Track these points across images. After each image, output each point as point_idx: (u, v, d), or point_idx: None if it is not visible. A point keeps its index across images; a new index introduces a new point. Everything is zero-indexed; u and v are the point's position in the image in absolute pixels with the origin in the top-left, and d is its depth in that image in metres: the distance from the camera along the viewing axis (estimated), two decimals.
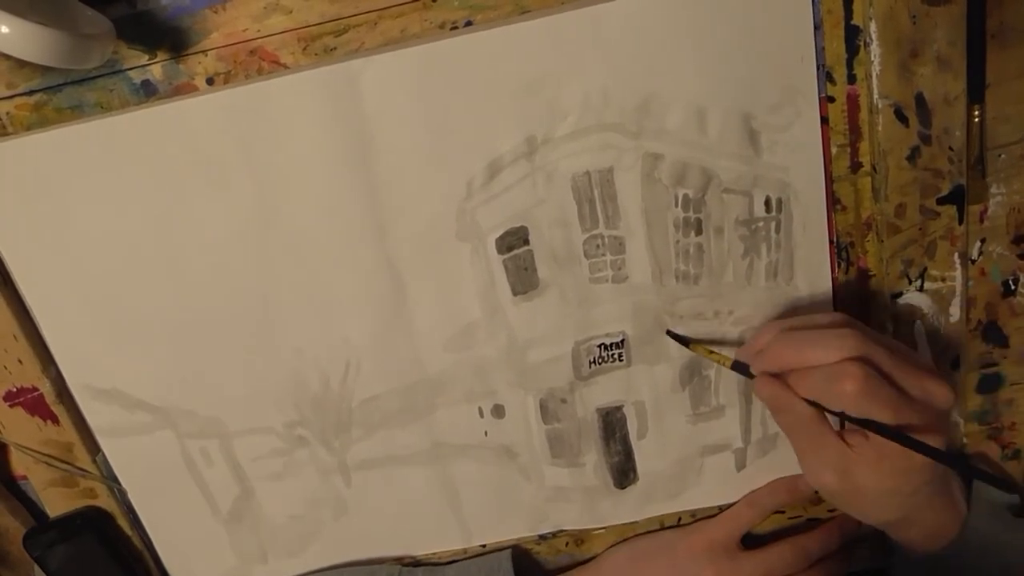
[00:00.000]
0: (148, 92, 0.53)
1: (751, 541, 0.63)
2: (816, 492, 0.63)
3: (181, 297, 0.58)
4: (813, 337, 0.50)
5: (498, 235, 0.56)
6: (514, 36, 0.51)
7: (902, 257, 0.55)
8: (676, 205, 0.55)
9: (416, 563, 0.67)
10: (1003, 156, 0.54)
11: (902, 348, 0.51)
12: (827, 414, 0.50)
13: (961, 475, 0.57)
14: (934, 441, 0.48)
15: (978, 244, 0.56)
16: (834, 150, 0.54)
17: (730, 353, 0.56)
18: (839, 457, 0.50)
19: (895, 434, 0.48)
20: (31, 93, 0.53)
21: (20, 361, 0.59)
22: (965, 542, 0.55)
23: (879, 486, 0.50)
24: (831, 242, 0.56)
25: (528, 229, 0.56)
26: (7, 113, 0.53)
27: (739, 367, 0.54)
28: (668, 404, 0.61)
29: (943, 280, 0.56)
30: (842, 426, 0.51)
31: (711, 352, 0.57)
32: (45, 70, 0.52)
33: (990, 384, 0.61)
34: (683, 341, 0.58)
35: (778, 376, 0.51)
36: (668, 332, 0.58)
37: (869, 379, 0.47)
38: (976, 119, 0.52)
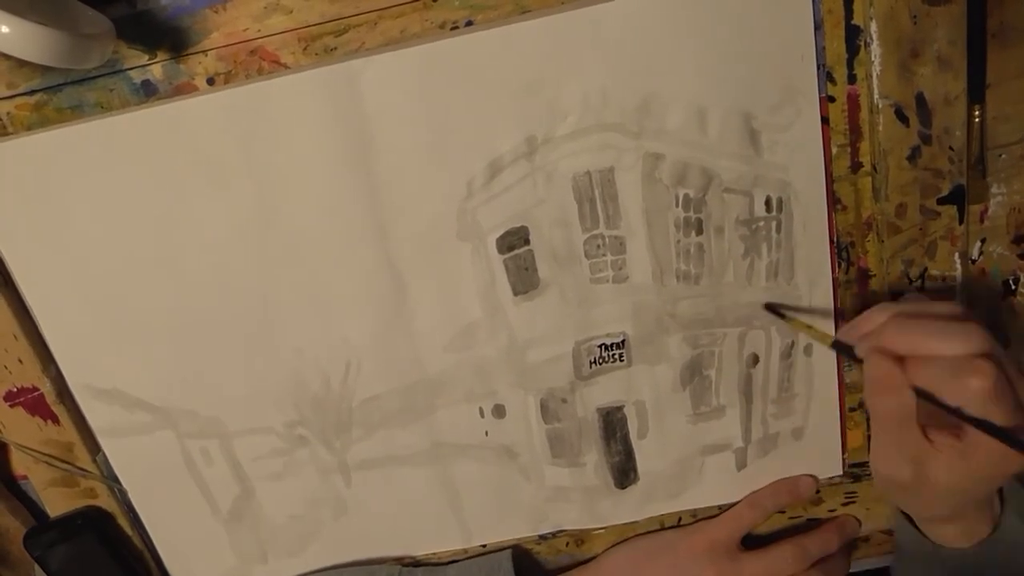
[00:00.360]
0: (148, 92, 0.53)
1: (752, 541, 0.64)
2: (817, 492, 0.63)
3: (181, 297, 0.58)
4: (937, 327, 0.48)
5: (499, 235, 0.56)
6: (514, 36, 0.51)
7: (902, 257, 0.55)
8: (677, 205, 0.55)
9: (416, 563, 0.67)
10: (1003, 156, 0.54)
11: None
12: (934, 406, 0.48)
13: None
14: None
15: (978, 244, 0.56)
16: (834, 150, 0.54)
17: (828, 330, 0.55)
18: (920, 451, 0.49)
19: (1012, 439, 0.45)
20: (31, 93, 0.53)
21: (20, 361, 0.59)
22: (996, 540, 0.55)
23: (952, 485, 0.49)
24: (831, 242, 0.56)
25: (529, 229, 0.56)
26: (7, 113, 0.53)
27: (840, 347, 0.52)
28: (669, 404, 0.61)
29: (943, 280, 0.56)
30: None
31: (810, 328, 0.55)
32: (45, 70, 0.52)
33: None
34: (779, 314, 0.57)
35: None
36: (766, 305, 0.57)
37: (999, 379, 0.45)
38: (976, 119, 0.52)
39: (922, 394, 0.48)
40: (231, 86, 0.52)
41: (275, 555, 0.67)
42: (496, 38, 0.51)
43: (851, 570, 0.67)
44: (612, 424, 0.61)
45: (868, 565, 0.67)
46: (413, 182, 0.54)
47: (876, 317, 0.51)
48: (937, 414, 0.48)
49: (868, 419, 0.61)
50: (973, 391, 0.45)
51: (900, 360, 0.48)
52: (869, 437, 0.61)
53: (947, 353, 0.46)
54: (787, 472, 0.63)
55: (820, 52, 0.52)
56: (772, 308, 0.57)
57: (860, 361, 0.51)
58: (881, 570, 0.67)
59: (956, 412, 0.46)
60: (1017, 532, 0.55)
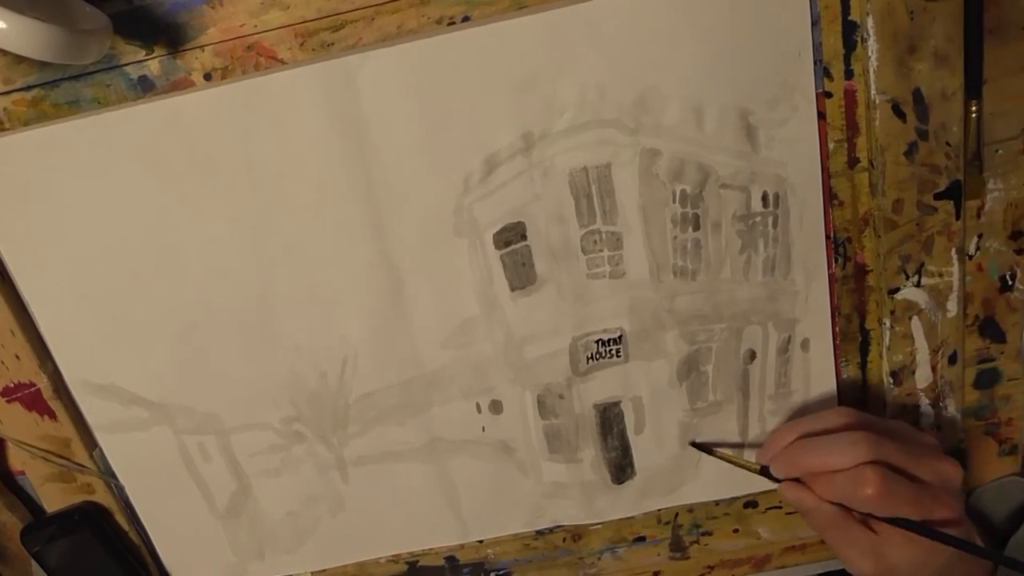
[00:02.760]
0: (145, 88, 0.53)
1: None
2: None
3: (178, 293, 0.58)
4: (828, 444, 0.54)
5: (495, 231, 0.56)
6: (511, 32, 0.51)
7: (899, 252, 0.55)
8: (673, 201, 0.55)
9: None
10: (1000, 151, 0.54)
11: (907, 431, 0.56)
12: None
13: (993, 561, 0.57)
14: (954, 523, 0.53)
15: (975, 239, 0.56)
16: (831, 145, 0.54)
17: (751, 456, 0.60)
18: (870, 544, 0.54)
19: (920, 528, 0.52)
20: (28, 88, 0.53)
21: (17, 356, 0.59)
22: None
23: (912, 561, 0.53)
24: (828, 237, 0.56)
25: (525, 225, 0.56)
26: (4, 109, 0.53)
27: (766, 472, 0.57)
28: (665, 400, 0.61)
29: (940, 276, 0.56)
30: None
31: (736, 460, 0.60)
32: (42, 65, 0.52)
33: (987, 379, 0.61)
34: (707, 450, 0.61)
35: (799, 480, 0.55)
36: (692, 443, 0.62)
37: (886, 481, 0.51)
38: (973, 115, 0.52)
39: (837, 505, 0.54)
40: (228, 81, 0.52)
41: (272, 551, 0.67)
42: (493, 34, 0.51)
43: (836, 568, 0.67)
44: (609, 420, 0.61)
45: None
46: (410, 178, 0.54)
47: (783, 438, 0.57)
48: None
49: None
50: (869, 497, 0.51)
51: (813, 477, 0.55)
52: None
53: (841, 466, 0.53)
54: None
55: (817, 47, 0.52)
56: (697, 445, 0.62)
57: (779, 482, 0.57)
58: None
59: (870, 516, 0.53)
60: None
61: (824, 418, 0.57)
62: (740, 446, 0.62)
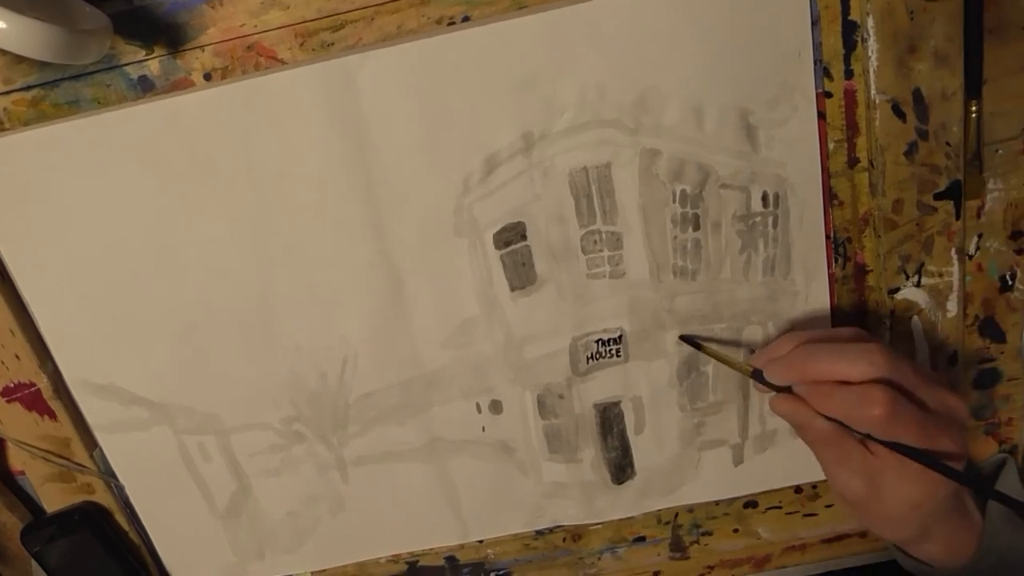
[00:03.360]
0: (145, 88, 0.53)
1: None
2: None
3: (178, 293, 0.58)
4: (837, 351, 0.50)
5: (495, 231, 0.56)
6: (511, 32, 0.51)
7: (899, 252, 0.55)
8: (673, 201, 0.55)
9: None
10: (1000, 151, 0.54)
11: (919, 363, 0.53)
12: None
13: (978, 492, 0.57)
14: (957, 458, 0.49)
15: (975, 239, 0.56)
16: (831, 145, 0.54)
17: (740, 357, 0.57)
18: (864, 465, 0.50)
19: (922, 456, 0.48)
20: (28, 88, 0.53)
21: (17, 356, 0.59)
22: (983, 556, 0.55)
23: (904, 495, 0.50)
24: (828, 237, 0.56)
25: (525, 225, 0.56)
26: (4, 109, 0.53)
27: (759, 376, 0.54)
28: (665, 400, 0.61)
29: (940, 276, 0.56)
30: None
31: (727, 358, 0.57)
32: (42, 66, 0.52)
33: (987, 379, 0.61)
34: (696, 345, 0.58)
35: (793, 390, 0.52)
36: (681, 337, 0.58)
37: (896, 403, 0.48)
38: (973, 115, 0.52)
39: (833, 421, 0.50)
40: (228, 81, 0.52)
41: (272, 551, 0.67)
42: (493, 34, 0.51)
43: (847, 567, 0.67)
44: (609, 420, 0.61)
45: (865, 561, 0.68)
46: (410, 178, 0.54)
47: (784, 345, 0.54)
48: None
49: None
50: (875, 418, 0.48)
51: (810, 387, 0.51)
52: None
53: (847, 377, 0.49)
54: (784, 469, 0.63)
55: (817, 47, 0.52)
56: (688, 339, 0.58)
57: (778, 389, 0.53)
58: (879, 566, 0.67)
59: (868, 437, 0.49)
60: (1001, 541, 0.55)
61: (833, 332, 0.54)
62: (740, 446, 0.62)
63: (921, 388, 0.49)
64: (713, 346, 0.58)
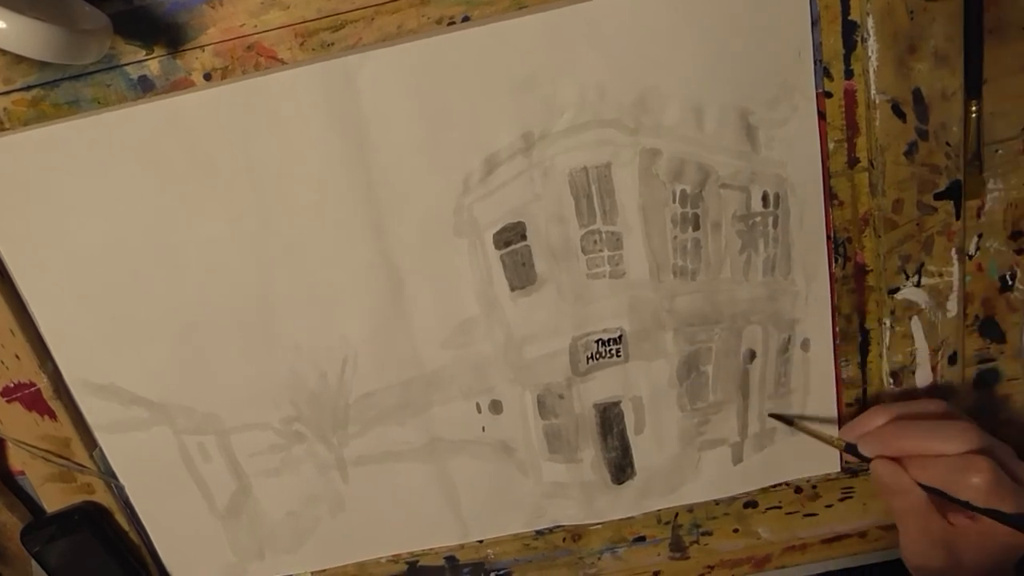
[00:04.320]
0: (145, 88, 0.53)
1: None
2: None
3: (178, 293, 0.58)
4: (935, 428, 0.54)
5: (495, 231, 0.56)
6: (511, 32, 0.51)
7: (899, 252, 0.55)
8: (673, 201, 0.55)
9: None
10: (1000, 151, 0.54)
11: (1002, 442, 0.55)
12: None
13: None
14: None
15: (975, 239, 0.56)
16: (831, 145, 0.54)
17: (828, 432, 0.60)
18: (945, 536, 0.53)
19: (1020, 522, 0.51)
20: (28, 88, 0.53)
21: (17, 356, 0.59)
22: None
23: (981, 562, 0.53)
24: (828, 237, 0.56)
25: (525, 224, 0.56)
26: (4, 109, 0.53)
27: (852, 449, 0.57)
28: (665, 399, 0.61)
29: (940, 276, 0.56)
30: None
31: (817, 433, 0.60)
32: (42, 66, 0.52)
33: (987, 379, 0.61)
34: (787, 421, 0.61)
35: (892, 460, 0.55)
36: (770, 415, 0.61)
37: (996, 471, 0.51)
38: (973, 114, 0.52)
39: (930, 490, 0.53)
40: (228, 81, 0.52)
41: (272, 551, 0.67)
42: (493, 34, 0.51)
43: (847, 567, 0.67)
44: (609, 420, 0.61)
45: (865, 560, 0.68)
46: (410, 178, 0.54)
47: (875, 419, 0.57)
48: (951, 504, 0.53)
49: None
50: (977, 486, 0.50)
51: (906, 460, 0.54)
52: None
53: (946, 451, 0.52)
54: (784, 468, 0.63)
55: (817, 47, 0.52)
56: (777, 416, 0.61)
57: (868, 460, 0.56)
58: (879, 566, 0.67)
59: (966, 505, 0.51)
60: None
61: (919, 404, 0.57)
62: (739, 445, 0.62)
63: (1012, 462, 0.53)
64: (804, 422, 0.61)
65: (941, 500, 0.53)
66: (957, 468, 0.51)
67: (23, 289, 0.58)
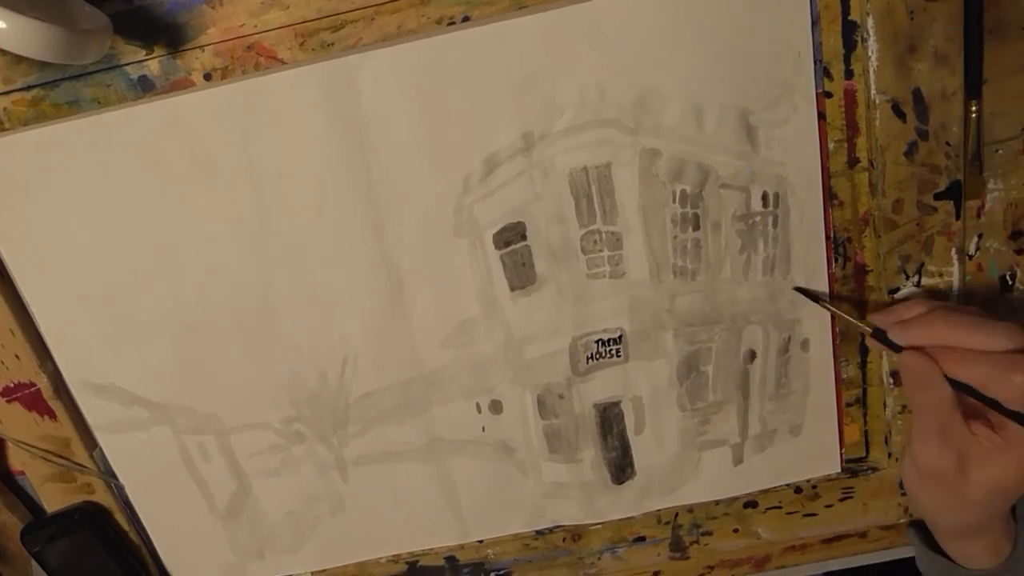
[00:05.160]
0: (145, 87, 0.53)
1: None
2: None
3: (178, 293, 0.58)
4: (977, 321, 0.49)
5: (495, 231, 0.56)
6: (511, 32, 0.51)
7: (899, 252, 0.55)
8: (673, 201, 0.55)
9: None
10: (1000, 151, 0.54)
11: None
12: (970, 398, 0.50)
13: None
14: None
15: (975, 239, 0.56)
16: (831, 145, 0.54)
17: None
18: (963, 440, 0.50)
19: None
20: (28, 88, 0.53)
21: (17, 356, 0.59)
22: (1019, 558, 0.55)
23: (989, 482, 0.50)
24: (828, 237, 0.56)
25: (525, 224, 0.56)
26: (4, 109, 0.53)
27: (881, 335, 0.53)
28: (665, 400, 0.61)
29: (940, 275, 0.56)
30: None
31: (843, 315, 0.56)
32: (42, 65, 0.52)
33: None
34: (813, 297, 0.57)
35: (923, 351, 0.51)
36: (795, 288, 0.57)
37: None
38: (973, 114, 0.52)
39: (960, 387, 0.49)
40: (228, 81, 0.52)
41: (272, 551, 0.67)
42: (493, 34, 0.51)
43: (847, 567, 0.67)
44: (609, 420, 0.61)
45: (866, 561, 0.68)
46: (410, 178, 0.54)
47: (914, 308, 0.52)
48: (975, 409, 0.50)
49: (890, 409, 0.61)
50: (1018, 386, 0.47)
51: (939, 351, 0.50)
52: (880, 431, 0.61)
53: (986, 347, 0.48)
54: (784, 468, 0.63)
55: (817, 47, 0.52)
56: (803, 291, 0.57)
57: (898, 349, 0.52)
58: (879, 567, 0.67)
59: (995, 405, 0.48)
60: None
61: (959, 307, 0.54)
62: (740, 446, 0.62)
63: None
64: (831, 302, 0.57)
65: (971, 400, 0.50)
66: (1001, 365, 0.47)
67: (23, 289, 0.58)
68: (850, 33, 0.51)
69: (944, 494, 0.53)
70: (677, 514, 0.66)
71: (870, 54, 0.51)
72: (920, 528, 0.60)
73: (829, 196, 0.55)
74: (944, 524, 0.56)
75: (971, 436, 0.50)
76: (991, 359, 0.48)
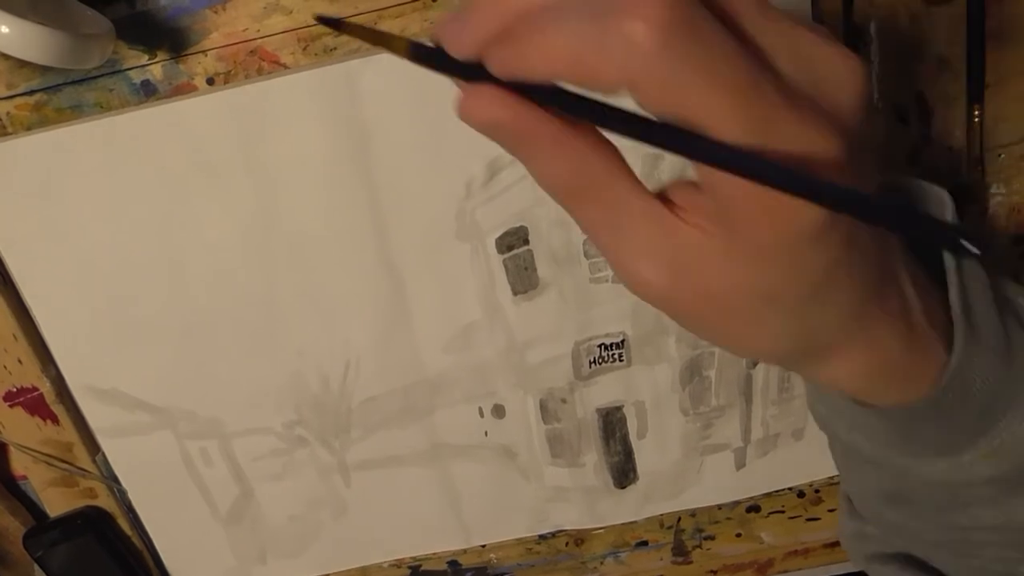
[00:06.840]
0: (148, 92, 0.53)
1: None
2: None
3: (181, 297, 0.57)
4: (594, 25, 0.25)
5: (498, 235, 0.56)
6: None
7: None
8: None
9: None
10: (1003, 156, 0.54)
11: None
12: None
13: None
14: (837, 167, 0.25)
15: None
16: None
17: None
18: (660, 232, 0.28)
19: (750, 161, 0.25)
20: (31, 93, 0.53)
21: (20, 361, 0.59)
22: (958, 380, 0.32)
23: (745, 283, 0.27)
24: None
25: (528, 229, 0.56)
26: (7, 113, 0.53)
27: (428, 53, 0.29)
28: (668, 404, 0.61)
29: None
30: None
31: (375, 34, 0.30)
32: (45, 70, 0.52)
33: None
34: (335, 24, 0.31)
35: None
36: (316, 16, 0.31)
37: (681, 9, 0.23)
38: (976, 119, 0.52)
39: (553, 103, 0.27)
40: (231, 86, 0.52)
41: (274, 556, 0.67)
42: None
43: (839, 573, 0.67)
44: (611, 424, 0.61)
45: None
46: (412, 182, 0.54)
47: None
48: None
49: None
50: (636, 45, 0.24)
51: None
52: None
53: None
54: (787, 472, 0.63)
55: None
56: (325, 20, 0.31)
57: (467, 76, 0.29)
58: None
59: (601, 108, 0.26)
60: (986, 362, 0.32)
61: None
62: (742, 450, 0.62)
63: (762, 20, 0.25)
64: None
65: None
66: (594, 20, 0.25)
67: (26, 293, 0.58)
68: (853, 38, 0.51)
69: (697, 321, 0.30)
70: (680, 518, 0.66)
71: (873, 59, 0.51)
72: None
73: None
74: (747, 355, 0.36)
75: (671, 217, 0.29)
76: (579, 17, 0.25)
